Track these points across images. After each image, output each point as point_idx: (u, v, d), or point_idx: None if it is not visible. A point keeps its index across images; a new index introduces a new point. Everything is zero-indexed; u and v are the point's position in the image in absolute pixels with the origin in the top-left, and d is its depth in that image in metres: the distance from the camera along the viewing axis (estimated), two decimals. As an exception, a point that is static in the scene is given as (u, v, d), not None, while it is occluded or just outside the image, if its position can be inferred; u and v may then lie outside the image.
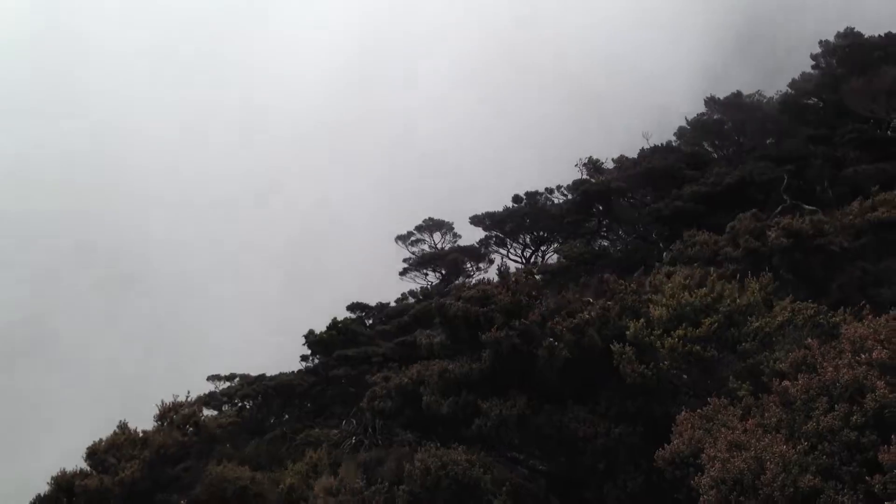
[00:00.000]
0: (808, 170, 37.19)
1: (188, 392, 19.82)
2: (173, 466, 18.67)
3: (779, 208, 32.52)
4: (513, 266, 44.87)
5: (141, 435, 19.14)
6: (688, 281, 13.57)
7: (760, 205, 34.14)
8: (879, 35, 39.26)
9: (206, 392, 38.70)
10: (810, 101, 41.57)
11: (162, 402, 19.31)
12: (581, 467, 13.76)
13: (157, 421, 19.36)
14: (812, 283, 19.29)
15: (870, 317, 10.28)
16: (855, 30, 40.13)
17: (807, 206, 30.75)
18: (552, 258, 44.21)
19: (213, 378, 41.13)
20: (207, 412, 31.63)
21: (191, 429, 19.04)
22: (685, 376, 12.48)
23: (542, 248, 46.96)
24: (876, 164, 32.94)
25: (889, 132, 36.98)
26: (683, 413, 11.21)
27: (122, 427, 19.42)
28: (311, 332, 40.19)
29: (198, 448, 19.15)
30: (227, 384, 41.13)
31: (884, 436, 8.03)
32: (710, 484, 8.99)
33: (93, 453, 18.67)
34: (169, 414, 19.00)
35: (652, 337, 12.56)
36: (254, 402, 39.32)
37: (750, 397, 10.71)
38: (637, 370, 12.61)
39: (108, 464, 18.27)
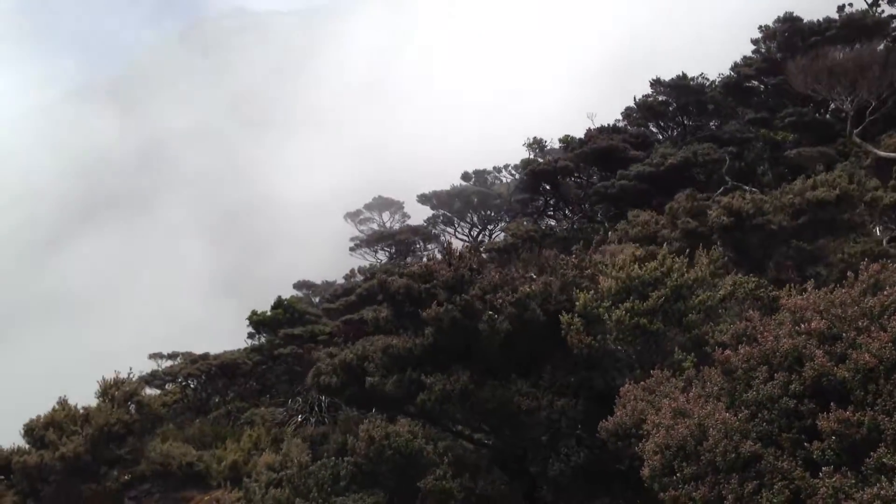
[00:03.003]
0: (750, 152, 38.05)
1: (130, 369, 19.35)
2: (116, 443, 18.35)
3: (720, 189, 33.21)
4: (460, 245, 44.94)
5: (82, 412, 18.73)
6: (639, 253, 13.70)
7: (703, 185, 34.82)
8: (818, 20, 40.13)
9: (149, 371, 37.93)
10: (752, 84, 42.35)
11: (103, 378, 18.86)
12: (525, 440, 13.84)
13: (98, 397, 18.93)
14: (750, 262, 19.67)
15: (808, 289, 10.46)
16: (794, 14, 40.93)
17: (747, 188, 31.44)
18: (499, 237, 44.40)
19: (156, 356, 40.28)
20: (150, 391, 31.02)
21: (133, 406, 18.66)
22: (631, 349, 12.60)
23: (490, 227, 47.16)
24: (815, 146, 33.78)
25: (827, 115, 37.93)
26: (627, 385, 11.32)
27: (63, 403, 18.97)
28: (254, 312, 39.67)
29: (140, 426, 18.80)
30: (170, 363, 40.38)
31: (821, 403, 8.19)
32: (654, 450, 9.10)
33: (31, 430, 18.22)
34: (110, 390, 18.57)
35: (600, 309, 12.63)
36: (198, 381, 38.69)
37: (692, 369, 10.85)
38: (584, 341, 12.68)
39: (47, 440, 17.86)
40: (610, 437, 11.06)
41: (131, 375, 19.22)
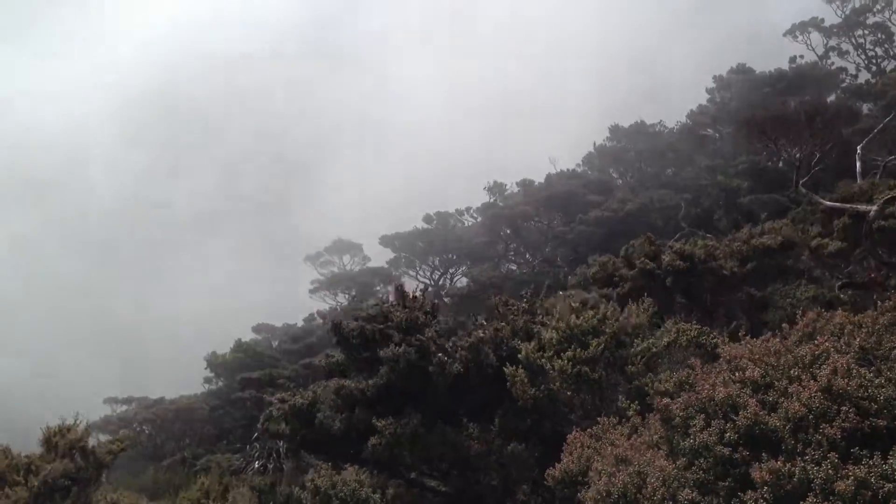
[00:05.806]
0: (705, 198, 38.88)
1: (76, 414, 18.84)
2: (62, 494, 17.79)
3: (676, 234, 33.82)
4: (417, 287, 45.04)
5: (25, 460, 18.14)
6: (577, 304, 13.92)
7: (660, 230, 35.45)
8: (770, 71, 41.48)
9: (102, 416, 37.27)
10: (707, 133, 43.46)
11: (47, 426, 18.31)
12: (477, 485, 13.84)
13: (42, 446, 18.37)
14: (702, 306, 20.03)
15: (747, 337, 10.69)
16: (747, 65, 42.28)
17: (703, 234, 32.06)
18: (461, 281, 44.60)
19: (111, 401, 39.65)
20: (102, 437, 30.35)
21: (78, 455, 18.10)
22: (576, 397, 12.72)
23: (451, 270, 47.28)
24: (767, 193, 34.64)
25: (780, 163, 38.97)
26: (574, 432, 11.42)
27: (5, 452, 18.37)
28: (213, 354, 39.25)
29: (86, 475, 18.28)
30: (125, 407, 39.72)
31: (755, 452, 8.34)
32: (595, 497, 9.18)
33: (-31, 481, 17.56)
34: (54, 439, 18.05)
35: (543, 359, 12.78)
36: (152, 427, 38.04)
37: (637, 416, 11.00)
38: (529, 393, 12.81)
39: (-10, 492, 17.24)
40: (557, 485, 11.13)
41: (78, 422, 18.71)
